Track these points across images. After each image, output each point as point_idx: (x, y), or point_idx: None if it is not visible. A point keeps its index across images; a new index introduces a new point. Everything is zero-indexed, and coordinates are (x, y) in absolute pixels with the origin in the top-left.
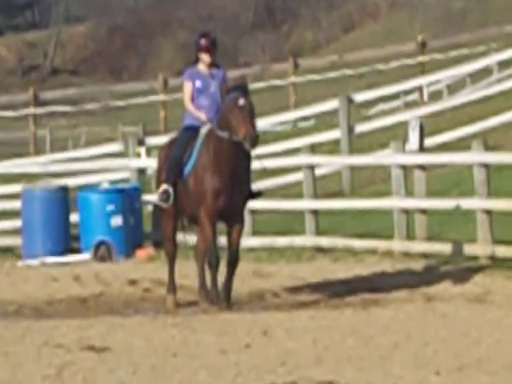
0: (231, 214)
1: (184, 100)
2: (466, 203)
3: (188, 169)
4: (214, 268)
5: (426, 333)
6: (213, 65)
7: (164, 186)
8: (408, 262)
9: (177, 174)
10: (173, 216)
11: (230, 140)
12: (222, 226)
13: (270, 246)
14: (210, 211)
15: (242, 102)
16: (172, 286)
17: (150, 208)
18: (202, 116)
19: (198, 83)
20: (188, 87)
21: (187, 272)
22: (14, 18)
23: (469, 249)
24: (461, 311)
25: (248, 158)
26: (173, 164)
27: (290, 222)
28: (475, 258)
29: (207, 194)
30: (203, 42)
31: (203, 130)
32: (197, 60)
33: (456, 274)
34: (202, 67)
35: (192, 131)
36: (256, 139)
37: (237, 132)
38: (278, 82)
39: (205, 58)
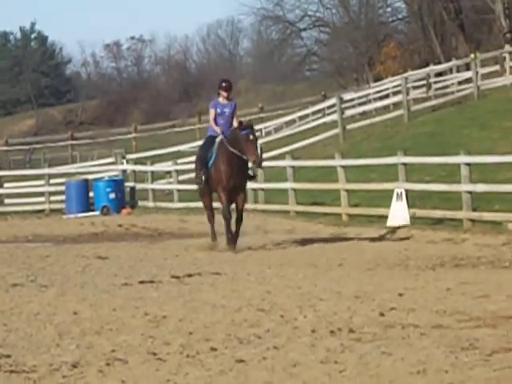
0: (237, 191)
1: (210, 119)
2: (283, 185)
3: (210, 163)
4: (227, 221)
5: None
6: (228, 98)
7: (198, 173)
8: None
9: (205, 166)
10: (208, 193)
11: (237, 154)
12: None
13: None
14: (224, 187)
15: (252, 137)
16: (214, 237)
17: (127, 189)
18: (218, 130)
19: (218, 109)
20: (212, 112)
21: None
22: (61, 98)
23: (284, 207)
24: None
25: (245, 162)
26: (200, 160)
27: None
28: (287, 212)
29: (222, 178)
30: (223, 84)
31: (218, 139)
32: (218, 94)
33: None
34: (221, 99)
35: (212, 139)
36: (261, 162)
37: (248, 156)
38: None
39: (223, 93)
